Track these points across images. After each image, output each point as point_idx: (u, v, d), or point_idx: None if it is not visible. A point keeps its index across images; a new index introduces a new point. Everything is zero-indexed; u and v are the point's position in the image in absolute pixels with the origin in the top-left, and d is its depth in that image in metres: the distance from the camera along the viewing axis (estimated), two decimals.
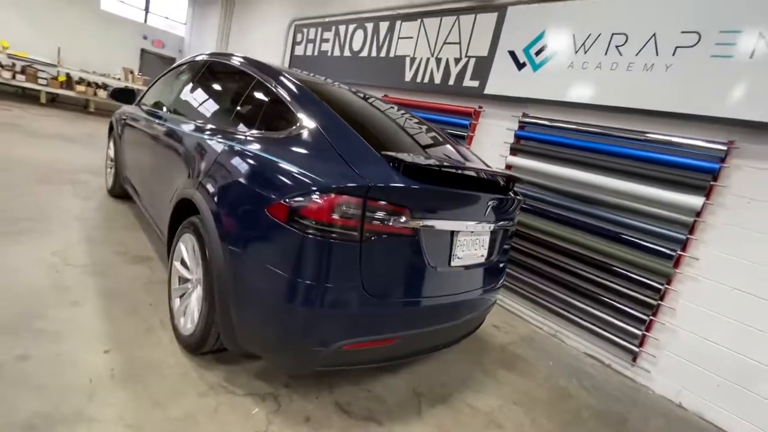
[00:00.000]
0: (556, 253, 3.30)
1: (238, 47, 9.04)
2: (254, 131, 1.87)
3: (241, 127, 1.97)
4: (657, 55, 2.77)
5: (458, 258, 1.78)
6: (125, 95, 3.40)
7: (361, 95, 2.38)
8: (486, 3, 3.93)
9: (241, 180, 1.67)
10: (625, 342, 2.93)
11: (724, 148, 2.54)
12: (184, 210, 2.10)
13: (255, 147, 1.74)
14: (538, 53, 3.42)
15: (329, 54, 5.92)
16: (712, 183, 2.58)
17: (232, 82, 2.41)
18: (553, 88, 3.33)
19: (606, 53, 3.02)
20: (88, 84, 9.53)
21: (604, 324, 3.04)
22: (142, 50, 11.73)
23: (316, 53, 6.22)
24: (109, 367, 1.78)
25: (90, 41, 10.79)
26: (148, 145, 2.79)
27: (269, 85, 1.99)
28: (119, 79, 10.01)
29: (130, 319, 2.15)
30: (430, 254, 1.65)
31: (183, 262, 2.09)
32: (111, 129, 4.10)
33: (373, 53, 5.14)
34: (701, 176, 2.62)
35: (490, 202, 1.82)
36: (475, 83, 3.92)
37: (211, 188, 1.80)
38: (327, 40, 5.96)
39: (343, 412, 1.86)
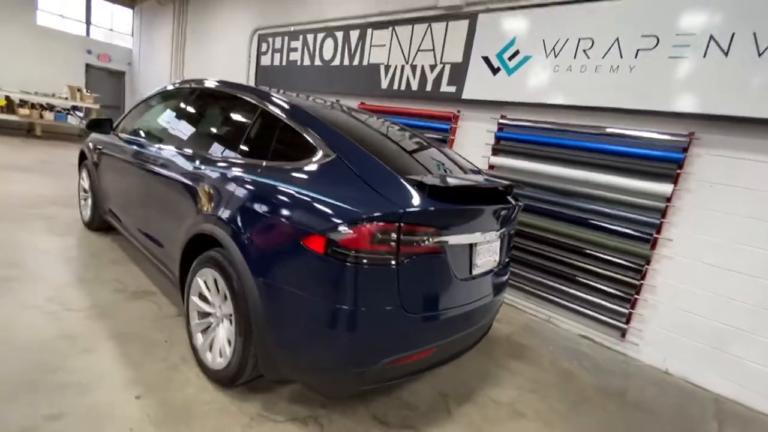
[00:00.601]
0: (543, 244, 3.53)
1: (196, 57, 8.73)
2: (270, 162, 1.90)
3: (253, 158, 1.99)
4: (621, 57, 3.03)
5: (477, 266, 1.90)
6: (101, 125, 3.26)
7: (362, 116, 2.43)
8: (456, 11, 4.08)
9: (269, 213, 1.70)
10: (613, 320, 3.20)
11: (686, 139, 2.83)
12: (197, 244, 2.10)
13: (276, 179, 1.77)
14: (511, 58, 3.62)
15: (299, 63, 5.88)
16: (678, 171, 2.87)
17: (235, 111, 2.39)
18: (528, 90, 3.54)
19: (575, 57, 3.25)
20: (32, 106, 8.85)
21: (594, 306, 3.30)
22: (87, 65, 11.01)
23: (284, 63, 6.15)
24: (145, 412, 1.76)
25: (28, 60, 10.00)
26: (140, 177, 2.70)
27: (278, 115, 2.01)
28: (66, 98, 9.36)
29: (151, 360, 2.11)
30: (456, 267, 1.76)
31: (202, 297, 2.08)
32: (82, 158, 3.90)
33: (346, 62, 5.17)
34: (669, 165, 2.91)
35: (498, 211, 1.96)
36: (452, 88, 4.07)
37: (234, 222, 1.81)
38: (295, 50, 5.92)
39: (382, 424, 1.94)
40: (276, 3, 6.45)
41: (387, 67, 4.68)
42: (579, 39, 3.23)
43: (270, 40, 6.38)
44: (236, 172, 1.96)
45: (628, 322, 3.15)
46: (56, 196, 4.75)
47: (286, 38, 6.07)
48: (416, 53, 4.37)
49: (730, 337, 2.77)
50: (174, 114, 2.70)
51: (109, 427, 1.65)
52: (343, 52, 5.19)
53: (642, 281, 3.07)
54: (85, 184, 3.84)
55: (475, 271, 1.90)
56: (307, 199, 1.61)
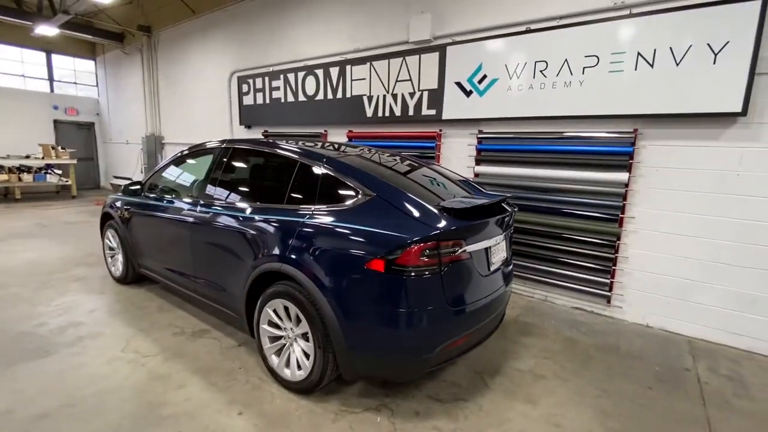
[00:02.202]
0: (530, 235, 4.12)
1: (173, 102, 8.97)
2: (319, 206, 2.35)
3: (303, 204, 2.44)
4: (571, 74, 3.67)
5: (493, 264, 2.43)
6: (134, 189, 3.62)
7: (378, 156, 2.91)
8: (426, 44, 4.67)
9: (333, 247, 2.16)
10: (598, 291, 3.82)
11: (632, 135, 3.50)
12: (260, 283, 2.52)
13: (331, 219, 2.23)
14: (480, 81, 4.22)
15: (282, 101, 6.32)
16: (630, 161, 3.53)
17: (272, 165, 2.83)
18: (499, 107, 4.15)
19: (534, 76, 3.88)
20: (10, 170, 8.80)
21: (581, 281, 3.91)
22: (55, 121, 10.96)
23: (267, 101, 6.56)
24: (251, 423, 2.16)
25: None
26: (187, 231, 3.07)
27: (316, 166, 2.47)
28: (43, 157, 9.34)
29: (235, 384, 2.50)
30: (479, 267, 2.28)
31: (272, 324, 2.50)
32: (105, 219, 4.19)
33: (330, 96, 5.66)
34: (622, 157, 3.56)
35: (502, 218, 2.50)
36: (433, 111, 4.64)
37: (302, 258, 2.25)
38: (277, 88, 6.36)
39: (437, 401, 2.42)
40: (250, 46, 6.88)
41: (370, 98, 5.21)
42: (535, 62, 3.86)
43: (250, 81, 6.78)
44: (291, 217, 2.41)
45: (610, 290, 3.77)
46: (74, 258, 4.96)
47: (267, 78, 6.49)
48: (395, 83, 4.92)
49: (690, 288, 3.42)
50: (215, 171, 3.08)
51: None
52: (326, 87, 5.68)
53: (616, 254, 3.70)
54: (113, 243, 4.13)
55: (492, 268, 2.42)
56: (363, 232, 2.09)
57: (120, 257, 4.03)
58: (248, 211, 2.67)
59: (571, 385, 2.65)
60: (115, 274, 4.15)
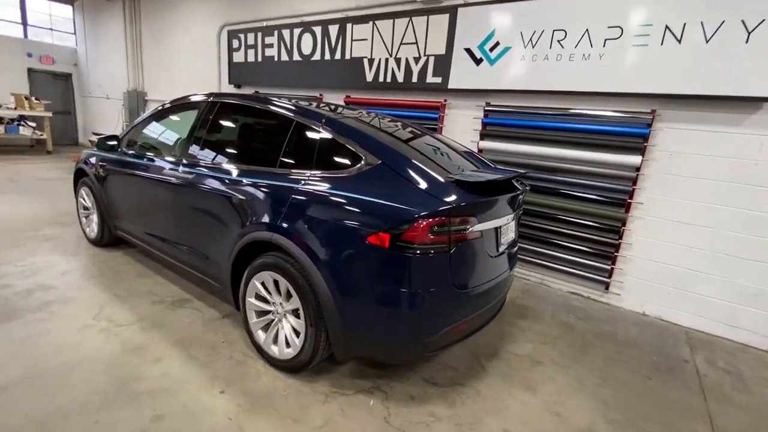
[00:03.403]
0: (532, 216, 3.97)
1: (157, 55, 8.37)
2: (316, 172, 2.12)
3: (297, 169, 2.20)
4: (591, 46, 3.41)
5: (502, 245, 2.26)
6: (111, 144, 3.29)
7: (378, 120, 2.66)
8: (435, 5, 4.31)
9: (332, 218, 1.94)
10: (597, 276, 3.72)
11: (650, 116, 3.30)
12: (247, 252, 2.30)
13: (329, 187, 2.01)
14: (492, 49, 3.93)
15: (276, 59, 5.89)
16: (645, 144, 3.35)
17: (265, 124, 2.56)
18: (510, 78, 3.88)
19: (551, 47, 3.61)
20: None
21: (579, 266, 3.80)
22: (30, 70, 10.19)
23: (259, 59, 6.12)
24: (235, 403, 2.00)
25: None
26: (169, 193, 2.80)
27: (314, 127, 2.22)
28: (15, 108, 8.71)
29: (218, 359, 2.33)
30: (488, 247, 2.11)
31: (260, 297, 2.31)
32: (79, 176, 3.87)
33: (327, 56, 5.28)
34: (636, 140, 3.38)
35: (514, 197, 2.30)
36: (438, 79, 4.34)
37: (295, 228, 2.04)
38: (270, 46, 5.91)
39: (433, 385, 2.29)
40: None
41: (371, 61, 4.86)
42: (553, 30, 3.58)
43: (241, 36, 6.30)
44: (284, 182, 2.17)
45: (610, 276, 3.67)
46: (46, 216, 4.63)
47: (260, 34, 6.03)
48: (399, 46, 4.58)
49: (692, 278, 3.34)
50: (200, 128, 2.78)
51: (210, 419, 1.89)
52: (324, 47, 5.29)
53: (620, 240, 3.58)
54: (87, 202, 3.83)
55: (500, 249, 2.25)
56: (366, 202, 1.87)
57: (95, 218, 3.75)
58: (236, 173, 2.41)
59: (570, 372, 2.56)
60: (90, 236, 3.87)
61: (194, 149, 2.76)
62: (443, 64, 4.27)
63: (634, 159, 3.38)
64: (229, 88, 6.79)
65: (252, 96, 2.63)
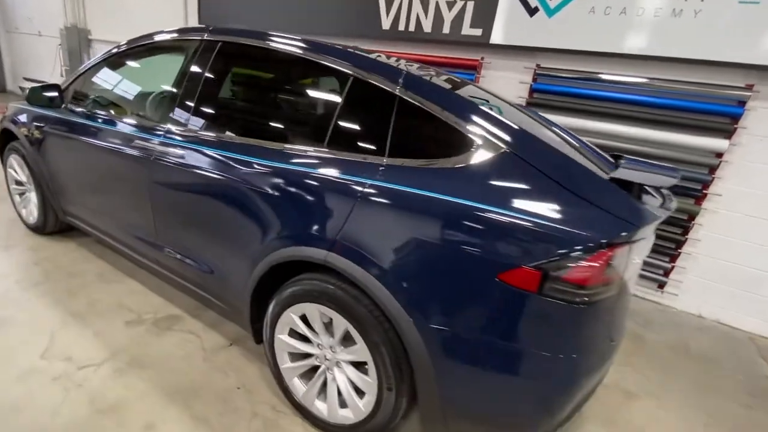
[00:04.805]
0: None
1: None
2: (394, 160, 1.38)
3: (360, 153, 1.45)
4: (686, 0, 2.75)
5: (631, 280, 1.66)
6: (50, 95, 2.28)
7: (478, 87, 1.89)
8: None
9: (432, 236, 1.25)
10: (653, 274, 3.30)
11: (749, 93, 2.75)
12: (281, 271, 1.58)
13: (424, 184, 1.29)
14: None
15: None
16: (735, 126, 2.82)
17: (302, 80, 1.73)
18: (571, 36, 3.17)
19: None
20: None
21: None
22: None
23: None
24: None
25: None
26: (136, 173, 1.96)
27: (392, 89, 1.45)
28: None
29: (237, 420, 1.65)
30: (631, 282, 1.50)
31: (296, 335, 1.62)
32: (6, 138, 2.83)
33: None
34: (724, 120, 2.84)
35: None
36: (477, 31, 3.54)
37: (366, 247, 1.33)
38: None
39: None
40: None
41: (389, 2, 3.93)
42: None
43: None
44: (344, 173, 1.42)
45: (667, 275, 3.26)
46: None
47: None
48: None
49: (763, 280, 2.98)
50: (190, 81, 1.88)
51: None
52: None
53: (686, 237, 3.14)
54: (20, 175, 2.83)
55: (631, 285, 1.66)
56: (493, 215, 1.18)
57: (34, 198, 2.79)
58: (255, 154, 1.61)
59: (669, 406, 2.12)
60: (29, 221, 2.91)
61: (181, 112, 1.89)
62: (486, 12, 3.46)
63: (719, 143, 2.86)
64: None
65: (279, 36, 1.77)
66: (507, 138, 1.30)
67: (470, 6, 3.53)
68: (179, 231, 1.94)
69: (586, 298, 1.13)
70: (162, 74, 2.00)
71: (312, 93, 1.74)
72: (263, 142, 1.64)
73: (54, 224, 2.79)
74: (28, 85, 8.38)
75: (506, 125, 1.34)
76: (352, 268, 1.35)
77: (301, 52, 1.67)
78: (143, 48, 2.16)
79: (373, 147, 1.44)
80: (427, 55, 3.89)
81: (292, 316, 1.58)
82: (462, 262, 1.21)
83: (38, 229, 2.86)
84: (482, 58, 3.66)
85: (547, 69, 3.37)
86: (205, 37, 1.90)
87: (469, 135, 1.32)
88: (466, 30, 3.59)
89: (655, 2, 2.84)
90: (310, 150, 1.53)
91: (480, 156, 1.29)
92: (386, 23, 3.99)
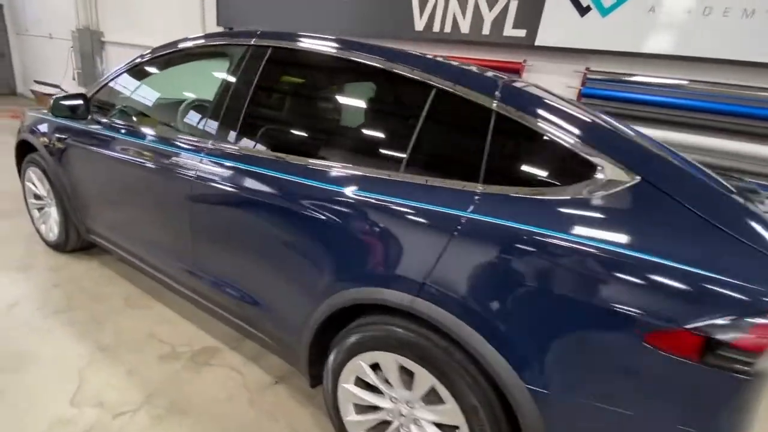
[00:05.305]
0: None
1: None
2: (492, 188, 1.16)
3: (448, 178, 1.23)
4: None
5: None
6: (75, 106, 2.08)
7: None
8: None
9: (551, 285, 1.03)
10: None
11: None
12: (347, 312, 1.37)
13: (537, 219, 1.07)
14: None
15: None
16: None
17: (373, 92, 1.52)
18: (627, 37, 2.93)
19: None
20: None
21: None
22: None
23: None
24: None
25: None
26: (175, 192, 1.75)
27: (487, 103, 1.23)
28: None
29: None
30: None
31: (364, 383, 1.41)
32: (24, 149, 2.65)
33: None
34: None
35: None
36: (521, 32, 3.31)
37: (463, 294, 1.11)
38: None
39: None
40: None
41: (423, 2, 3.71)
42: None
43: None
44: (430, 203, 1.20)
45: None
46: None
47: None
48: None
49: None
50: (239, 91, 1.65)
51: None
52: None
53: None
54: (40, 189, 2.65)
55: None
56: (634, 261, 0.96)
57: (54, 213, 2.60)
58: (321, 178, 1.40)
59: None
60: (48, 237, 2.72)
61: (227, 127, 1.68)
62: (531, 12, 3.23)
63: None
64: (218, 30, 5.35)
65: (335, 40, 1.56)
66: (639, 162, 1.07)
67: (513, 6, 3.31)
68: (222, 257, 1.73)
69: (758, 368, 0.90)
70: (201, 84, 1.80)
71: (385, 107, 1.53)
72: (326, 164, 1.42)
73: (76, 242, 2.60)
74: (40, 88, 8.26)
75: (636, 146, 1.12)
76: (447, 319, 1.13)
77: (368, 60, 1.45)
78: (178, 54, 1.95)
79: (463, 171, 1.22)
80: (463, 57, 3.66)
81: (360, 364, 1.37)
82: (595, 318, 0.99)
83: (58, 246, 2.67)
84: (524, 61, 3.43)
85: (600, 72, 3.14)
86: (253, 43, 1.68)
87: (590, 159, 1.10)
88: (509, 31, 3.37)
89: (723, 1, 2.60)
90: (386, 174, 1.31)
91: (607, 186, 1.07)
92: (419, 24, 3.77)
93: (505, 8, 3.34)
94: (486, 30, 3.47)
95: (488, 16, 3.43)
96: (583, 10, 3.05)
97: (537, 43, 3.27)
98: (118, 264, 2.65)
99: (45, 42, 8.29)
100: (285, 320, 1.57)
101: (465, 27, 3.56)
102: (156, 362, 1.88)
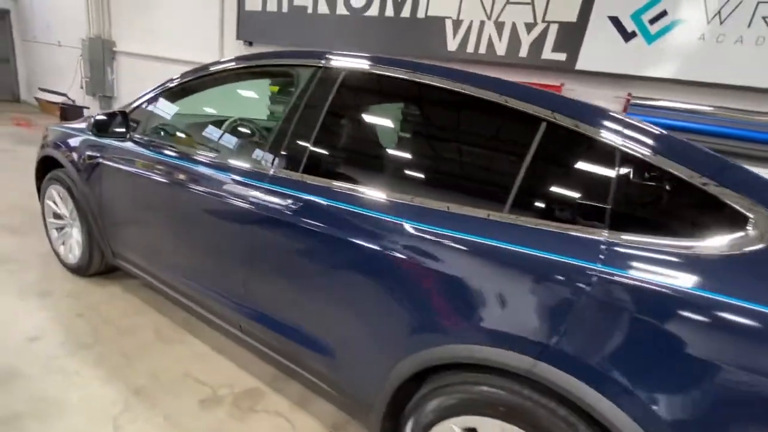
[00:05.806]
0: None
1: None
2: (624, 237, 1.03)
3: (570, 223, 1.10)
4: None
5: None
6: (114, 125, 1.93)
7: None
8: None
9: (724, 359, 0.89)
10: None
11: None
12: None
13: (691, 279, 0.94)
14: (654, 21, 2.88)
15: (309, 11, 4.49)
16: None
17: (464, 124, 1.40)
18: (674, 64, 2.88)
19: (749, 25, 2.63)
20: None
21: None
22: None
23: (285, 9, 4.68)
24: None
25: None
26: (227, 223, 1.61)
27: (608, 140, 1.11)
28: None
29: None
30: None
31: None
32: (47, 165, 2.49)
33: (389, 12, 3.99)
34: None
35: None
36: (561, 56, 3.25)
37: (597, 360, 0.97)
38: None
39: None
40: None
41: (456, 23, 3.65)
42: (758, 2, 2.59)
43: None
44: (545, 251, 1.06)
45: None
46: None
47: None
48: (504, 5, 3.41)
49: None
50: (307, 119, 1.51)
51: None
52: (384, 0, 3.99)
53: None
54: (62, 208, 2.48)
55: None
56: None
57: (76, 234, 2.42)
58: (409, 215, 1.26)
59: None
60: (68, 260, 2.54)
61: (294, 156, 1.53)
62: (572, 35, 3.18)
63: None
64: (237, 45, 5.28)
65: (426, 66, 1.44)
66: None
67: (553, 29, 3.25)
68: (279, 295, 1.57)
69: None
70: (263, 106, 1.66)
71: (483, 140, 1.41)
72: (415, 200, 1.29)
73: (98, 265, 2.42)
74: (45, 96, 8.10)
75: None
76: (580, 390, 0.98)
77: (460, 86, 1.34)
78: (231, 73, 1.82)
79: (583, 216, 1.10)
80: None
81: (453, 428, 1.21)
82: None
83: (79, 270, 2.48)
84: (563, 84, 3.36)
85: (642, 99, 3.07)
86: (320, 64, 1.56)
87: (739, 208, 0.98)
88: (548, 54, 3.31)
89: None
90: (486, 214, 1.18)
91: (760, 240, 0.95)
92: (453, 45, 3.71)
93: (545, 32, 3.29)
94: (523, 53, 3.41)
95: (526, 39, 3.38)
96: (628, 36, 2.99)
97: (578, 67, 3.21)
98: (143, 290, 2.46)
99: (53, 49, 8.16)
100: (350, 370, 1.41)
101: (501, 49, 3.50)
102: (197, 408, 1.70)
